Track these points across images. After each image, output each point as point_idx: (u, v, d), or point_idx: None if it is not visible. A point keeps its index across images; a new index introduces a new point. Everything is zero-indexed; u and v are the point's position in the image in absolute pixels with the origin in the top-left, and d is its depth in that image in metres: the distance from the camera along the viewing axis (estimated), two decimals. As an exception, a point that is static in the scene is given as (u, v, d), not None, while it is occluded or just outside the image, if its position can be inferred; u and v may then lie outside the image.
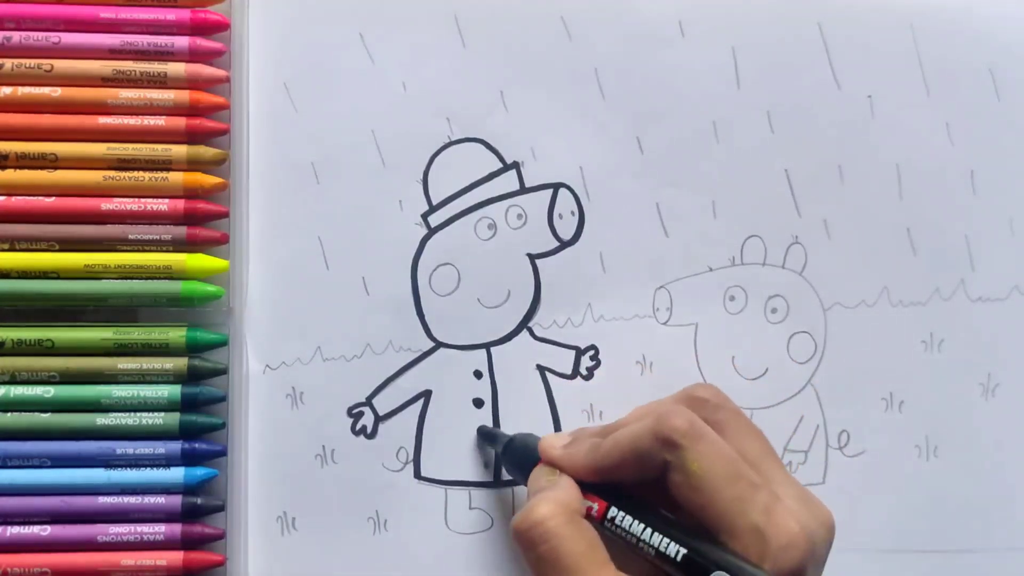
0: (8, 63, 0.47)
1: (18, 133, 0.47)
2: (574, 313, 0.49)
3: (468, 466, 0.49)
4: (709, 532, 0.40)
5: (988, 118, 0.51)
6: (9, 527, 0.46)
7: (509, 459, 0.47)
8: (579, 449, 0.43)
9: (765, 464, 0.42)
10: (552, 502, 0.41)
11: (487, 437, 0.48)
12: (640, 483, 0.42)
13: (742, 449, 0.41)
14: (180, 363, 0.47)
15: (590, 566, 0.40)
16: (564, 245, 0.49)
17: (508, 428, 0.49)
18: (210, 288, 0.47)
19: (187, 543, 0.46)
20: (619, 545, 0.41)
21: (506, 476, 0.49)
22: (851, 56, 0.50)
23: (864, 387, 0.50)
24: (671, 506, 0.41)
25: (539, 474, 0.44)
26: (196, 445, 0.47)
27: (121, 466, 0.46)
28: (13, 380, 0.46)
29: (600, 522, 0.42)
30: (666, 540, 0.40)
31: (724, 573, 0.39)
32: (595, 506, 0.42)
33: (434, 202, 0.49)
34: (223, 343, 0.48)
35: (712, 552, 0.39)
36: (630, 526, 0.41)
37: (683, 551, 0.40)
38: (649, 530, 0.41)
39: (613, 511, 0.42)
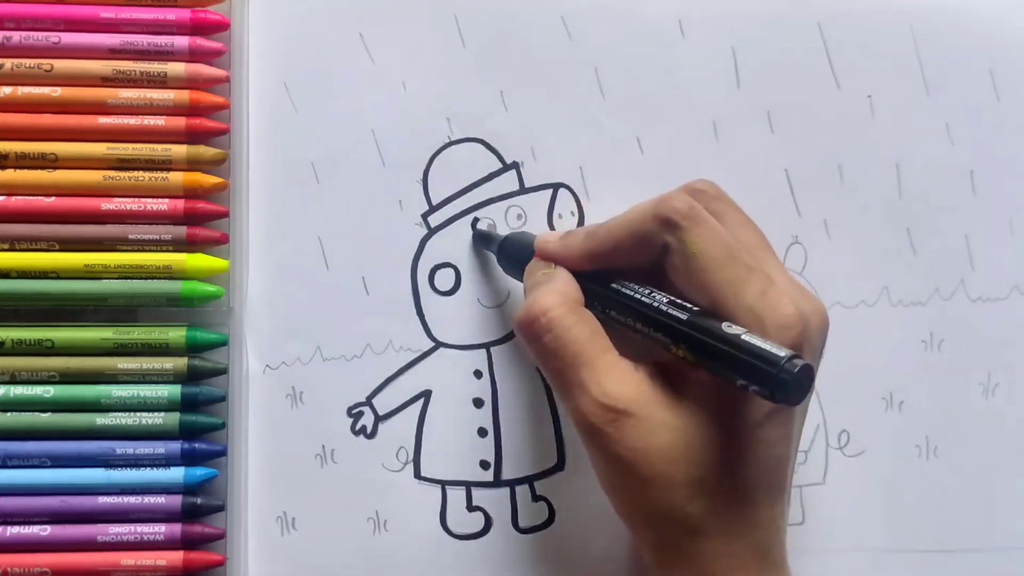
0: (8, 63, 0.47)
1: (18, 133, 0.47)
2: (574, 313, 0.49)
3: (468, 466, 0.49)
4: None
5: (988, 118, 0.51)
6: (9, 527, 0.46)
7: (505, 256, 0.48)
8: (575, 239, 0.44)
9: (760, 252, 0.43)
10: (553, 293, 0.42)
11: (482, 239, 0.49)
12: (636, 272, 0.43)
13: (739, 238, 0.42)
14: (180, 363, 0.47)
15: (594, 351, 0.41)
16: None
17: (508, 427, 0.49)
18: (210, 288, 0.47)
19: (187, 543, 0.46)
20: (617, 333, 0.42)
21: (506, 475, 0.49)
22: (851, 56, 0.50)
23: (864, 387, 0.50)
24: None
25: (534, 267, 0.45)
26: (196, 445, 0.47)
27: (121, 466, 0.46)
28: (13, 380, 0.46)
29: (603, 312, 0.43)
30: (674, 303, 0.41)
31: (732, 324, 0.39)
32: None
33: (434, 202, 0.49)
34: (223, 343, 0.48)
35: (715, 318, 0.40)
36: (634, 295, 0.42)
37: (694, 309, 0.40)
38: (656, 295, 0.41)
39: (618, 284, 0.43)
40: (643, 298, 0.42)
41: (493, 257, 0.49)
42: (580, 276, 0.44)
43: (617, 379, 0.41)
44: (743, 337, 0.38)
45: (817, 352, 0.42)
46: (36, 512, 0.46)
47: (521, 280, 0.46)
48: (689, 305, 0.41)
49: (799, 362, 0.37)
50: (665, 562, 0.41)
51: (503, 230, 0.49)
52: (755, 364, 0.37)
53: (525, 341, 0.43)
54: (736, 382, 0.38)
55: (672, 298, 0.41)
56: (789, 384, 0.37)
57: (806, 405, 0.43)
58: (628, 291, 0.42)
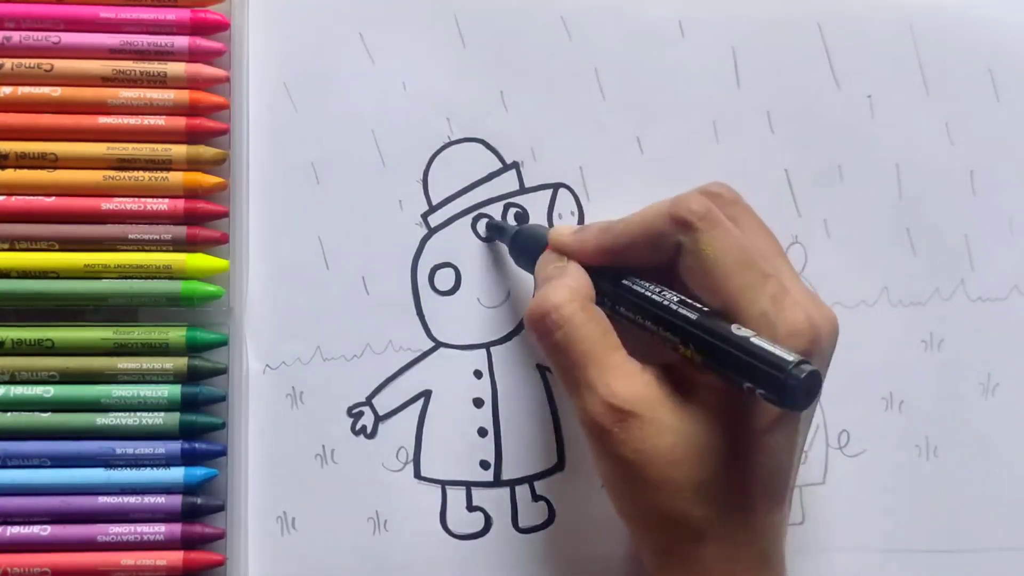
0: (8, 63, 0.47)
1: (18, 133, 0.47)
2: (574, 313, 0.49)
3: (468, 466, 0.49)
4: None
5: (988, 118, 0.51)
6: (9, 527, 0.46)
7: (517, 248, 0.47)
8: (589, 233, 0.44)
9: (775, 259, 0.43)
10: (565, 288, 0.42)
11: (495, 230, 0.49)
12: (647, 270, 0.43)
13: (754, 244, 0.42)
14: (180, 363, 0.47)
15: (603, 350, 0.41)
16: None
17: (508, 427, 0.49)
18: (210, 288, 0.47)
19: (187, 543, 0.46)
20: (625, 333, 0.42)
21: (506, 475, 0.49)
22: (851, 56, 0.50)
23: (864, 387, 0.50)
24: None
25: (547, 260, 0.45)
26: (196, 445, 0.47)
27: (121, 466, 0.46)
28: (13, 380, 0.46)
29: (612, 308, 0.43)
30: (684, 302, 0.41)
31: (742, 327, 0.39)
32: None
33: (434, 202, 0.49)
34: (223, 343, 0.48)
35: (725, 320, 0.40)
36: (645, 292, 0.42)
37: (704, 310, 0.40)
38: (667, 293, 0.41)
39: (629, 280, 0.43)
40: (654, 296, 0.42)
41: (495, 255, 0.49)
42: (591, 271, 0.44)
43: (625, 379, 0.41)
44: (752, 340, 0.38)
45: (826, 361, 0.42)
46: (36, 512, 0.46)
47: (532, 272, 0.46)
48: (699, 306, 0.41)
49: (807, 368, 0.37)
50: (665, 566, 0.41)
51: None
52: (763, 368, 0.37)
53: (535, 336, 0.43)
54: (743, 385, 0.38)
55: (683, 298, 0.41)
56: (797, 389, 0.37)
57: (811, 414, 0.43)
58: (639, 288, 0.42)
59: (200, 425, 0.47)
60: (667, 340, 0.41)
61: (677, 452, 0.40)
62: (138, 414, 0.46)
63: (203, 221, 0.48)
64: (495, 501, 0.49)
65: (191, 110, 0.48)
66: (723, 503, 0.40)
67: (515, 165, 0.50)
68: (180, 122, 0.48)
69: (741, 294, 0.40)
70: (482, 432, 0.49)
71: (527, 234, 0.47)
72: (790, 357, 0.37)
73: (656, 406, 0.40)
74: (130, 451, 0.46)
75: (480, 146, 0.50)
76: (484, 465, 0.49)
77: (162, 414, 0.47)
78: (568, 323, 0.41)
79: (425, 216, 0.49)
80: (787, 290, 0.41)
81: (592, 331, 0.41)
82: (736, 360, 0.38)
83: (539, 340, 0.42)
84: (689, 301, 0.41)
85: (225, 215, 0.48)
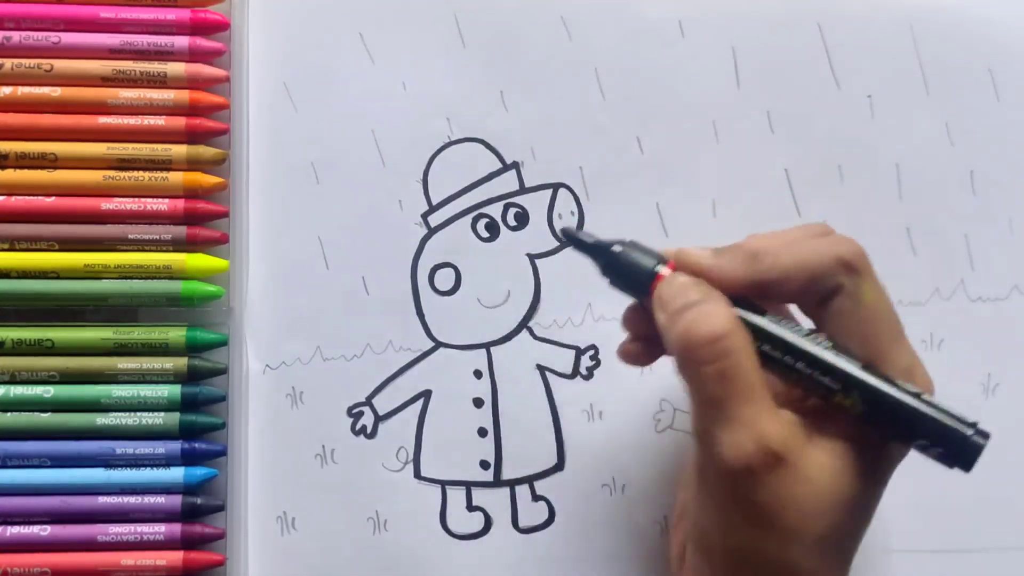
0: (8, 63, 0.47)
1: (18, 133, 0.47)
2: (574, 313, 0.49)
3: (468, 466, 0.49)
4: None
5: (988, 118, 0.51)
6: (9, 527, 0.46)
7: (617, 272, 0.41)
8: (731, 260, 0.40)
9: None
10: (729, 318, 0.38)
11: (578, 242, 0.41)
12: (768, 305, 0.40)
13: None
14: (180, 363, 0.47)
15: (761, 388, 0.38)
16: (564, 245, 0.49)
17: (508, 427, 0.49)
18: (210, 288, 0.47)
19: (187, 543, 0.46)
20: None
21: (506, 475, 0.49)
22: (851, 56, 0.50)
23: (864, 387, 0.50)
24: None
25: (687, 285, 0.39)
26: (196, 445, 0.47)
27: (121, 466, 0.46)
28: (13, 380, 0.46)
29: (761, 343, 0.39)
30: (837, 347, 0.39)
31: (909, 385, 0.38)
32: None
33: (434, 202, 0.49)
34: (223, 343, 0.48)
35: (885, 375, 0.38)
36: (796, 332, 0.39)
37: (857, 357, 0.38)
38: (818, 336, 0.39)
39: (771, 317, 0.39)
40: (804, 336, 0.39)
41: (495, 255, 0.49)
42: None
43: (775, 421, 0.38)
44: (925, 397, 0.38)
45: None
46: (36, 512, 0.46)
47: (630, 294, 0.41)
48: (850, 352, 0.39)
49: (984, 429, 0.37)
50: None
51: (503, 230, 0.49)
52: (946, 426, 0.37)
53: (691, 360, 0.38)
54: (913, 441, 0.38)
55: (834, 341, 0.39)
56: (979, 451, 0.37)
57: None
58: (788, 328, 0.39)
59: (200, 425, 0.47)
60: (820, 386, 0.39)
61: (808, 502, 0.38)
62: (138, 414, 0.46)
63: (203, 221, 0.48)
64: (495, 501, 0.49)
65: (191, 110, 0.48)
66: (834, 558, 0.39)
67: (515, 165, 0.50)
68: (180, 122, 0.48)
69: (891, 346, 0.39)
70: (482, 432, 0.49)
71: (630, 255, 0.41)
72: (970, 418, 0.37)
73: (799, 452, 0.38)
74: (130, 451, 0.46)
75: (480, 146, 0.50)
76: (484, 465, 0.49)
77: (162, 414, 0.47)
78: (736, 353, 0.38)
79: (425, 216, 0.49)
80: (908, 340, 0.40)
81: (754, 365, 0.38)
82: (911, 415, 0.37)
83: (695, 366, 0.38)
84: (840, 346, 0.39)
85: (225, 215, 0.48)
